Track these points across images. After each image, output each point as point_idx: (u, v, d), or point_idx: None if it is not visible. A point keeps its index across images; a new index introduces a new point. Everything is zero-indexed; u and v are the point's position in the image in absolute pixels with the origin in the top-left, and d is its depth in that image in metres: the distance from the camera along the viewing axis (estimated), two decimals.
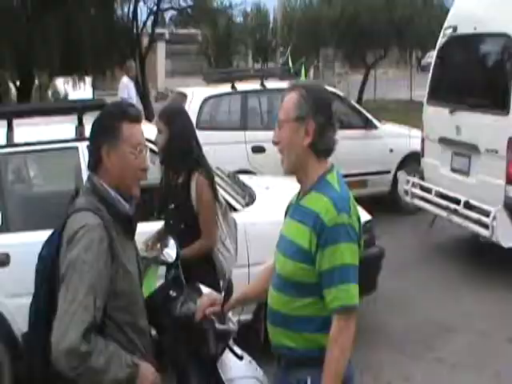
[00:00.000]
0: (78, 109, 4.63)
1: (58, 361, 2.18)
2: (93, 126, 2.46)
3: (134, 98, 11.59)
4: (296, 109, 2.47)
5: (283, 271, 2.47)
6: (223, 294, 2.54)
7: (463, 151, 7.05)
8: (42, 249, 2.47)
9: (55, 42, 12.47)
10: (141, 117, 2.48)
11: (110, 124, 2.40)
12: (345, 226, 2.35)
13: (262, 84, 8.69)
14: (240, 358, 2.53)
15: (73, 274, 2.22)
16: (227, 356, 2.51)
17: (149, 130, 5.25)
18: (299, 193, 2.57)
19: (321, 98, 2.53)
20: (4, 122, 4.48)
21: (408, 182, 7.89)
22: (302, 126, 2.46)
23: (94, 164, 2.42)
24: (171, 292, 2.67)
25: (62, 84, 17.78)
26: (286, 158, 2.51)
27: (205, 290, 2.75)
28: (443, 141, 7.37)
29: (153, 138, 4.88)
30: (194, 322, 2.51)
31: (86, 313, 2.19)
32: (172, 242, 2.71)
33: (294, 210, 2.55)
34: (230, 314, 2.65)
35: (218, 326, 2.52)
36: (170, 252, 2.74)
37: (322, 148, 2.49)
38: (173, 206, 3.93)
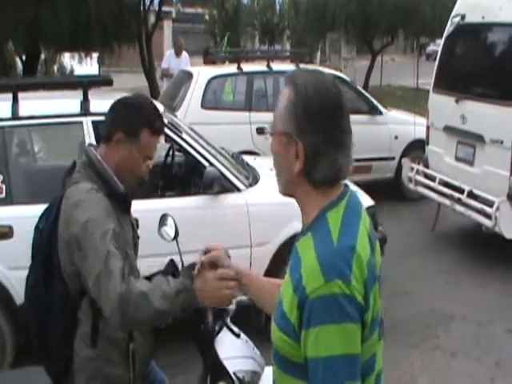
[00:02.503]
0: (83, 84, 4.63)
1: (118, 320, 2.14)
2: (117, 107, 2.45)
3: (175, 70, 11.43)
4: (283, 119, 1.71)
5: (272, 336, 1.74)
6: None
7: (468, 141, 7.03)
8: (39, 222, 2.49)
9: (63, 17, 12.40)
10: (163, 132, 2.50)
11: (133, 122, 2.39)
12: (335, 299, 1.56)
13: (268, 65, 8.67)
14: (237, 335, 2.52)
15: (87, 236, 2.21)
16: (225, 335, 2.51)
17: None
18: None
19: (317, 102, 1.67)
20: (9, 96, 4.48)
21: (412, 169, 7.88)
22: (292, 145, 1.70)
23: (103, 139, 2.44)
24: (169, 270, 2.64)
25: (68, 59, 17.71)
26: (277, 178, 1.80)
27: None
28: (448, 129, 7.35)
29: None
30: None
31: (116, 260, 2.18)
32: (170, 220, 2.67)
33: (292, 249, 1.78)
34: None
35: None
36: (169, 231, 2.71)
37: (320, 176, 1.70)
38: None
